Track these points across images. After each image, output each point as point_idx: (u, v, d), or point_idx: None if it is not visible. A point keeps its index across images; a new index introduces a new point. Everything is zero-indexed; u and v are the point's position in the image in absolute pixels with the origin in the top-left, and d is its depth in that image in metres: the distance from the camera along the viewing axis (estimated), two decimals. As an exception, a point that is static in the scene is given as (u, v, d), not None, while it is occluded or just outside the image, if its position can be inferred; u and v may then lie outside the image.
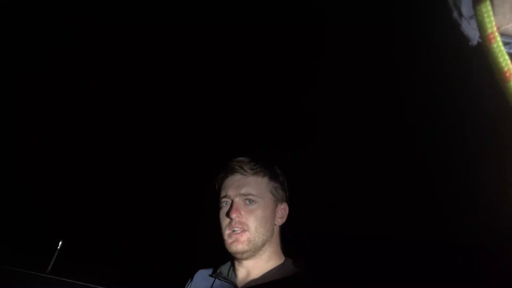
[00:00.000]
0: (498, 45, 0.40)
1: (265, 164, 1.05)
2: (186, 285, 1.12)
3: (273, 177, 1.05)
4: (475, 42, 0.47)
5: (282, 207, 1.07)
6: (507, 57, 0.40)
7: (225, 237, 0.97)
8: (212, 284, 1.04)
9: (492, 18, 0.40)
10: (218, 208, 1.04)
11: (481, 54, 0.42)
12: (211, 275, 1.07)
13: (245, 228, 0.96)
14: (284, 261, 1.03)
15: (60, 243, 9.14)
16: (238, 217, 0.96)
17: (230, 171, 1.03)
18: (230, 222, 0.96)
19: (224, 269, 1.05)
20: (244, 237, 0.96)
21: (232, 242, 0.96)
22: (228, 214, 0.97)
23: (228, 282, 1.01)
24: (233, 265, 1.05)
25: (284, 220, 1.06)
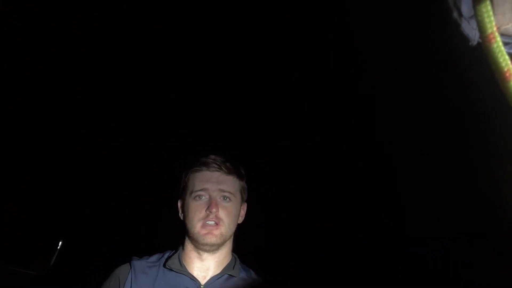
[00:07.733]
0: (498, 45, 0.40)
1: (236, 165, 1.12)
2: (117, 277, 1.05)
3: (242, 178, 1.13)
4: (475, 42, 0.47)
5: (244, 206, 1.14)
6: (507, 57, 0.40)
7: (197, 228, 1.02)
8: (164, 278, 1.02)
9: (492, 18, 0.40)
10: (186, 198, 1.08)
11: (481, 54, 0.42)
12: (151, 266, 1.04)
13: (220, 223, 1.02)
14: (232, 256, 1.10)
15: (60, 243, 9.13)
16: (217, 211, 1.01)
17: (207, 166, 1.07)
18: (207, 215, 1.01)
19: (175, 261, 1.04)
20: (218, 231, 1.01)
21: (206, 234, 1.01)
22: (208, 208, 1.01)
23: (187, 276, 1.02)
24: (183, 257, 1.06)
25: (243, 218, 1.13)
